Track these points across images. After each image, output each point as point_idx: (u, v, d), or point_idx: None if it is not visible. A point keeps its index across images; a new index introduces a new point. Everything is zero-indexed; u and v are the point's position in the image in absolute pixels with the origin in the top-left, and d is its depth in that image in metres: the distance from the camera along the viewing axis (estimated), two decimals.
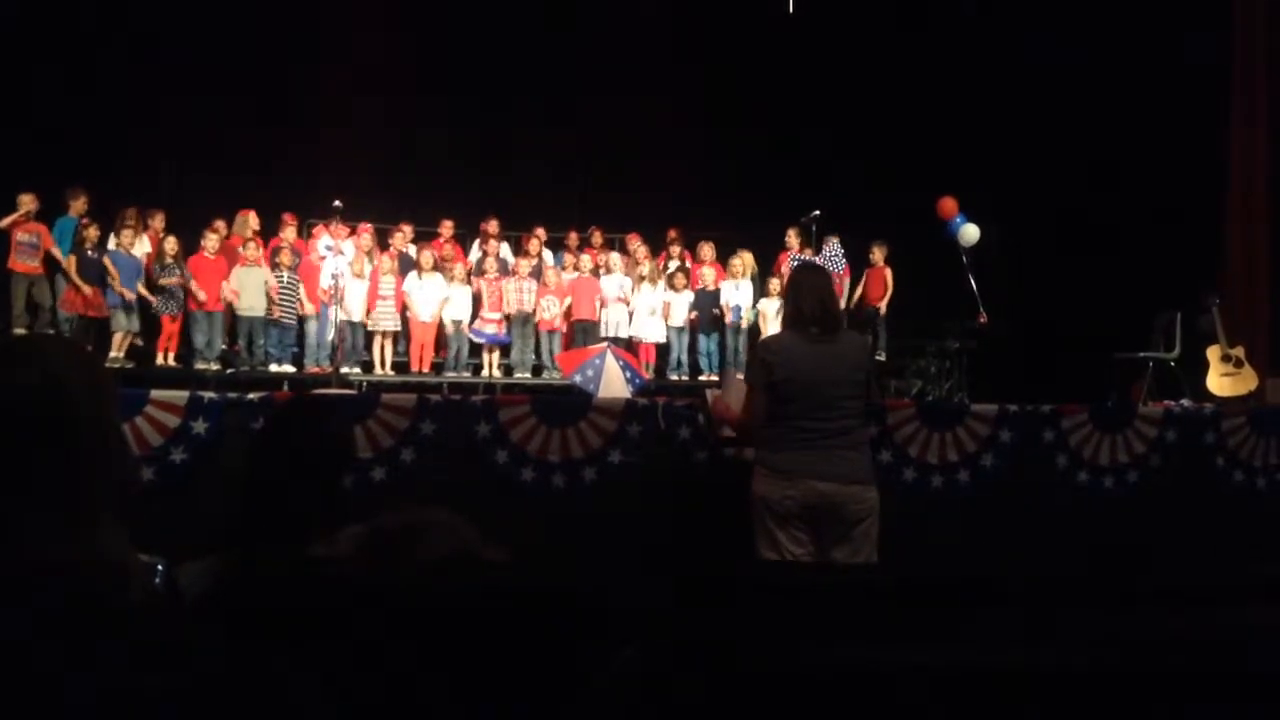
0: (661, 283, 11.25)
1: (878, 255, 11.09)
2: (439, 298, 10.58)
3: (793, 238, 11.05)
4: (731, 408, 4.60)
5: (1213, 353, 8.47)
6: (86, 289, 9.26)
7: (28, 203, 9.23)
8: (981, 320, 10.12)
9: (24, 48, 10.04)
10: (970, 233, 10.25)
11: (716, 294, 11.17)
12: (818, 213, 10.79)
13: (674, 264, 11.55)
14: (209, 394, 5.09)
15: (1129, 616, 2.06)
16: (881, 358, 10.86)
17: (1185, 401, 7.90)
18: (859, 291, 11.27)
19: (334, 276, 9.74)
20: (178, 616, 1.58)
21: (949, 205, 10.41)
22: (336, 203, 10.04)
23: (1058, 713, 1.48)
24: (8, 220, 9.14)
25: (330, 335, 10.14)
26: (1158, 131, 9.90)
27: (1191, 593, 2.20)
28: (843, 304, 10.02)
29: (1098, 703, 1.48)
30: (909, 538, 4.31)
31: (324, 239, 10.34)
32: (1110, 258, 10.37)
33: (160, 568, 1.67)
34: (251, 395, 5.10)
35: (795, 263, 10.66)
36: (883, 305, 11.01)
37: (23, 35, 10.04)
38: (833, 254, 10.38)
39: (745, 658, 1.51)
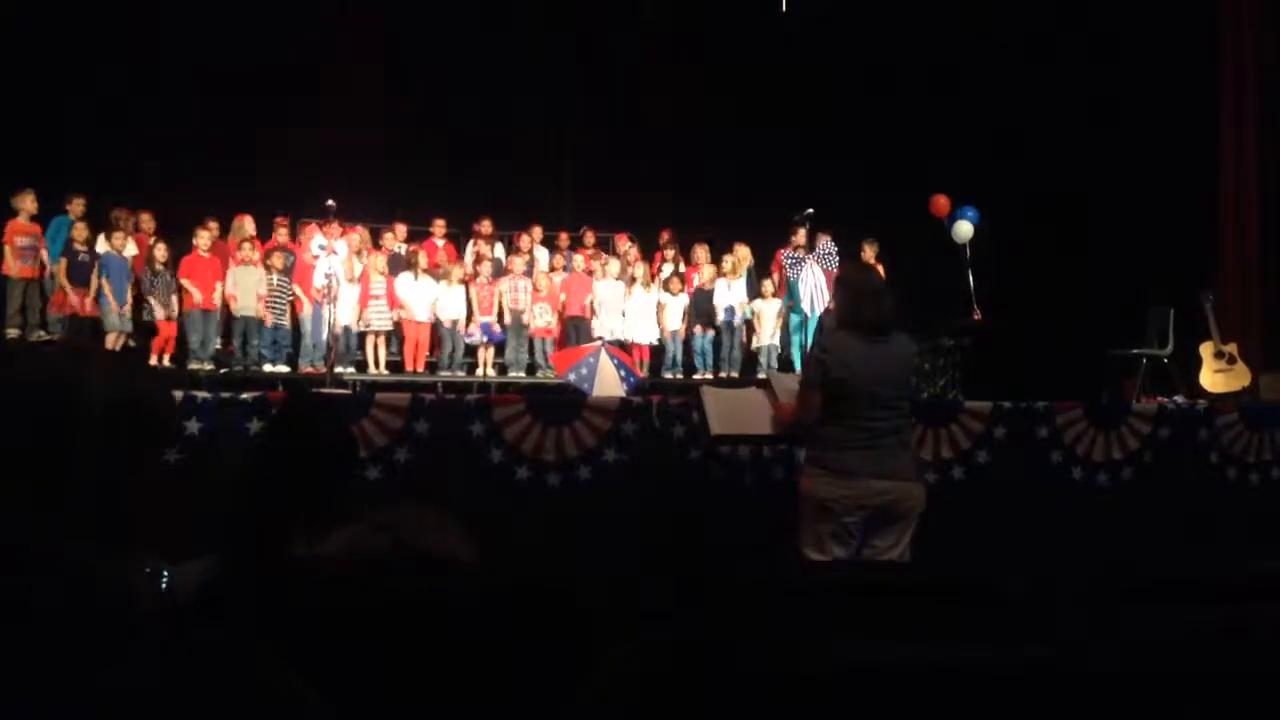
0: (655, 285, 11.24)
1: (868, 253, 11.08)
2: (432, 296, 10.56)
3: (800, 236, 11.00)
4: (782, 405, 4.53)
5: (1206, 349, 8.50)
6: (74, 296, 9.19)
7: (27, 204, 9.19)
8: (975, 317, 10.13)
9: (15, 47, 10.00)
10: (963, 229, 10.26)
11: (712, 294, 11.16)
12: (810, 211, 10.79)
13: (668, 267, 11.55)
14: (202, 394, 5.08)
15: (1123, 613, 2.06)
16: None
17: (1179, 398, 7.92)
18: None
19: (327, 276, 9.73)
20: (174, 617, 1.58)
21: (941, 202, 10.42)
22: (330, 202, 10.03)
23: (1050, 712, 1.48)
24: (9, 228, 9.13)
25: (324, 335, 10.12)
26: (1151, 129, 9.93)
27: (1186, 589, 2.20)
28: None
29: (1093, 702, 1.48)
30: None
31: (317, 239, 10.32)
32: (1104, 255, 10.40)
33: (165, 573, 1.67)
34: (245, 395, 5.10)
35: (790, 260, 10.67)
36: None
37: (15, 34, 10.00)
38: (826, 252, 10.39)
39: (741, 657, 1.51)
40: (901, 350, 4.19)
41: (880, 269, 10.98)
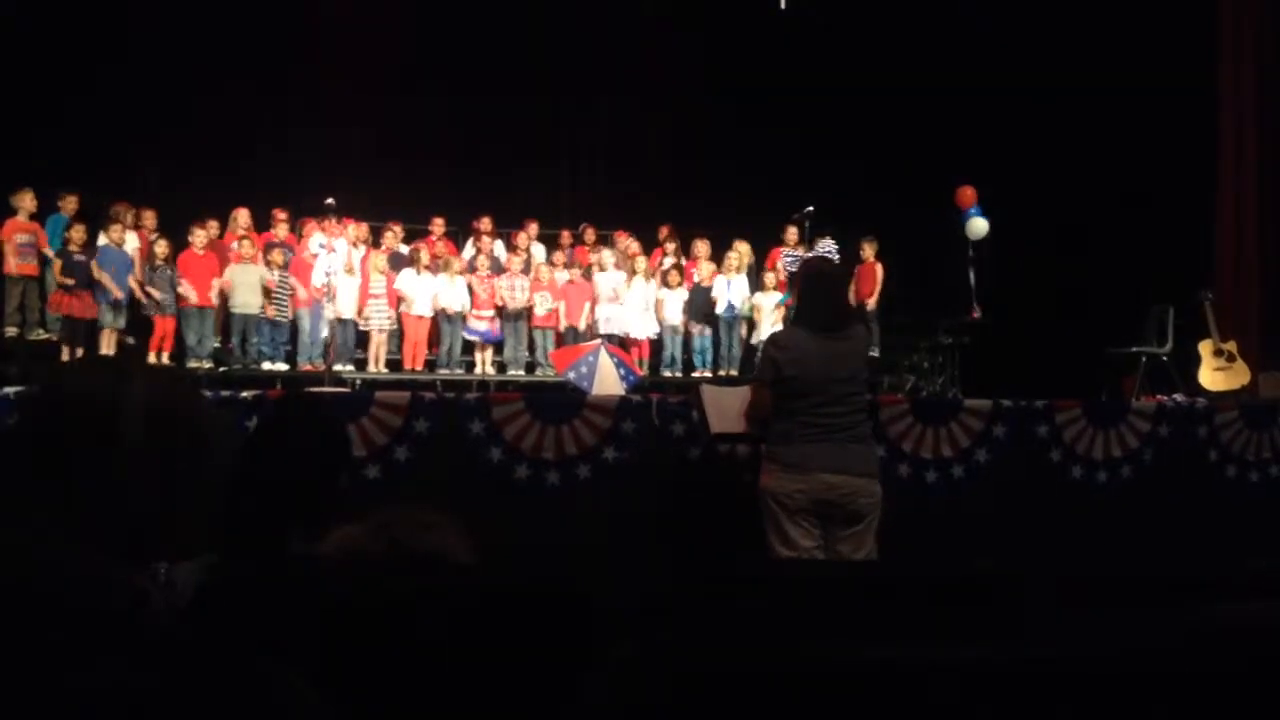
0: (655, 280, 11.22)
1: (868, 251, 11.08)
2: (432, 293, 10.55)
3: (791, 234, 11.03)
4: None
5: (1205, 347, 8.50)
6: (67, 293, 9.15)
7: (25, 202, 9.16)
8: (974, 315, 10.13)
9: (15, 46, 10.00)
10: (979, 225, 10.25)
11: (710, 290, 11.14)
12: (810, 209, 10.79)
13: (668, 260, 11.53)
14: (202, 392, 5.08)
15: (1122, 612, 2.06)
16: (875, 354, 10.87)
17: (1178, 396, 7.92)
18: (850, 288, 11.25)
19: (327, 274, 9.71)
20: (171, 617, 1.58)
21: (968, 194, 10.40)
22: (329, 200, 10.02)
23: (1049, 711, 1.48)
24: (8, 226, 9.10)
25: (323, 333, 10.12)
26: (1151, 127, 9.92)
27: (1184, 588, 2.20)
28: None
29: (1091, 701, 1.48)
30: (902, 533, 4.32)
31: (316, 237, 10.31)
32: (1103, 252, 10.40)
33: (162, 570, 1.67)
34: (245, 393, 5.10)
35: (789, 259, 10.66)
36: (873, 302, 11.00)
37: (15, 34, 9.99)
38: (826, 250, 10.37)
39: (742, 656, 1.51)
40: (855, 344, 4.22)
41: (879, 267, 11.00)
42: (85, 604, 1.14)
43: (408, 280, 10.49)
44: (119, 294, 9.32)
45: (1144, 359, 8.97)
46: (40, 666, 1.05)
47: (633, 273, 11.11)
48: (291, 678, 1.12)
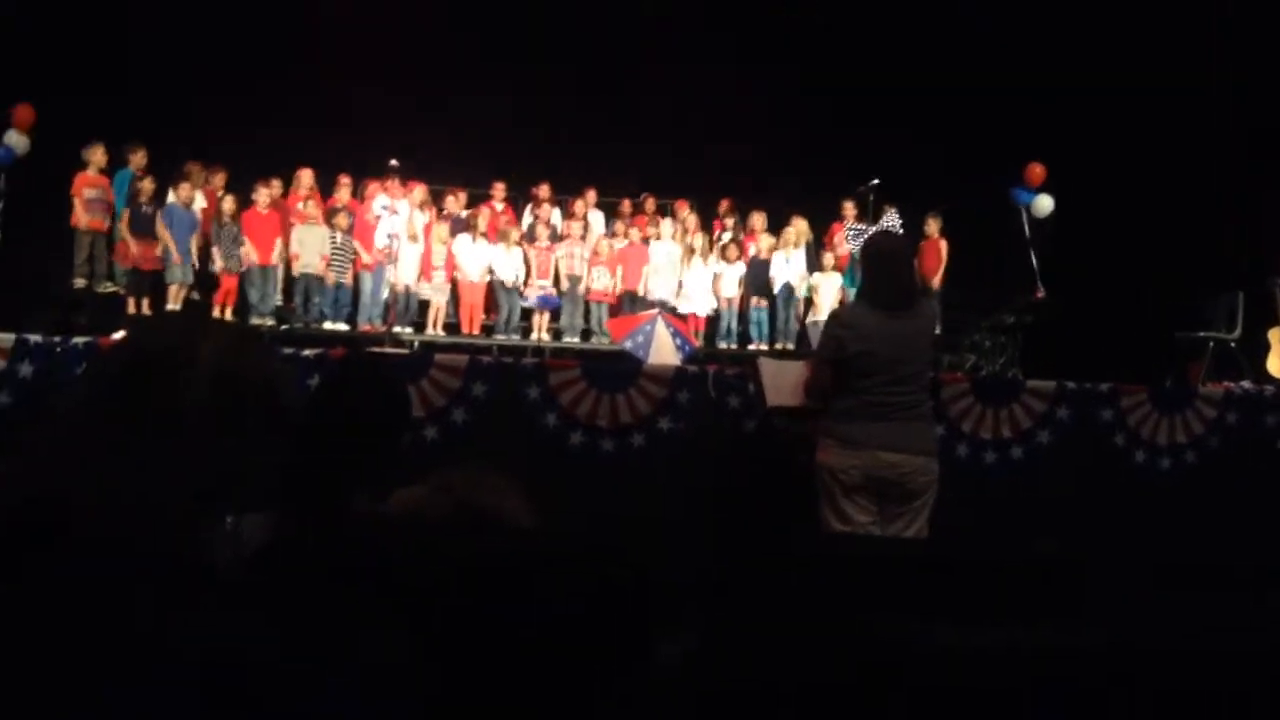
0: (713, 255, 11.18)
1: (932, 227, 10.93)
2: (488, 259, 10.59)
3: (849, 208, 10.94)
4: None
5: (1274, 334, 8.33)
6: (134, 246, 9.32)
7: (97, 156, 9.30)
8: (1038, 295, 9.97)
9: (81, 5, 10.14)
10: (1044, 204, 10.09)
11: (768, 264, 11.07)
12: (876, 182, 10.67)
13: (727, 235, 11.47)
14: None
15: (1183, 598, 2.04)
16: (937, 331, 10.73)
17: (1246, 383, 7.77)
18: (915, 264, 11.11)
19: (389, 236, 9.78)
20: (238, 568, 1.61)
21: (1036, 172, 10.23)
22: (393, 162, 10.08)
23: (1106, 692, 1.46)
24: (78, 180, 9.24)
25: (384, 295, 10.21)
26: (1225, 108, 9.70)
27: (1248, 576, 2.17)
28: None
29: (1145, 682, 1.47)
30: (961, 514, 4.28)
31: (380, 198, 10.39)
32: (1172, 235, 10.19)
33: (229, 522, 1.70)
34: (307, 351, 5.16)
35: (852, 231, 10.56)
36: (937, 279, 10.86)
37: None
38: (891, 224, 10.25)
39: (794, 631, 1.51)
40: (923, 322, 4.16)
41: (944, 244, 10.86)
42: (152, 554, 1.16)
43: (462, 246, 10.54)
44: (178, 258, 9.45)
45: (1211, 344, 8.80)
46: (110, 615, 1.07)
47: (691, 251, 11.07)
48: (352, 634, 1.13)
